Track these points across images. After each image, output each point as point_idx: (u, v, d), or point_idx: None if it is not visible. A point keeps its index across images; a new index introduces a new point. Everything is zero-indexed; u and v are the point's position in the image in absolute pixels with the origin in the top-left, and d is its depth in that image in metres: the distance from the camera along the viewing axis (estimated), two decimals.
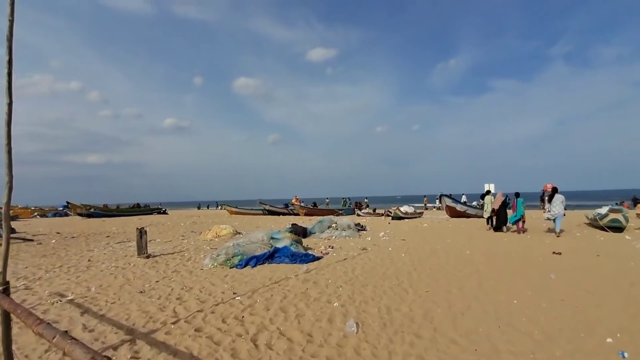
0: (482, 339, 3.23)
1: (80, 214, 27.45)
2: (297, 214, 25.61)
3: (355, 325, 3.50)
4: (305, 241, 9.72)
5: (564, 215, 10.94)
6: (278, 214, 26.79)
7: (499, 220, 11.90)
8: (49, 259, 8.07)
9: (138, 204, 35.28)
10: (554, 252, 7.38)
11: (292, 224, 11.25)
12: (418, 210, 20.57)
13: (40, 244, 11.13)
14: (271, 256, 6.78)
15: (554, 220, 10.59)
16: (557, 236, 10.22)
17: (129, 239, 11.65)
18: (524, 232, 11.27)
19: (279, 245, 7.24)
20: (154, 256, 7.96)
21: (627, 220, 10.83)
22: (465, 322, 3.65)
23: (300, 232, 10.41)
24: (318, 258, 7.01)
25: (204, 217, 25.68)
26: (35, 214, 31.27)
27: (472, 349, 3.04)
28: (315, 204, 32.64)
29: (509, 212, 11.73)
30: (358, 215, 23.07)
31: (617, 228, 10.75)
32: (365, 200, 36.13)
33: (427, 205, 36.03)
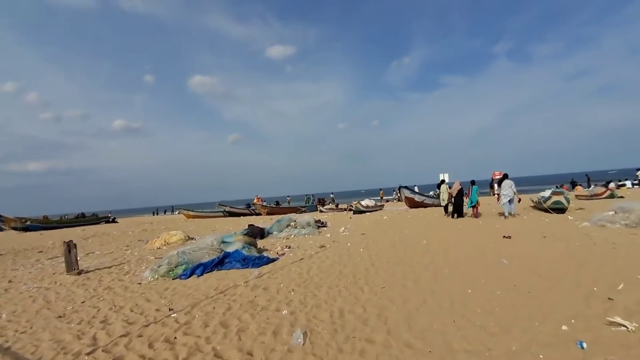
0: (437, 338, 3.01)
1: (14, 228, 24.48)
2: (259, 214, 24.88)
3: (302, 335, 3.13)
4: (262, 242, 9.23)
5: (519, 200, 11.66)
6: (239, 215, 25.85)
7: (455, 207, 12.20)
8: None
9: (83, 214, 32.26)
10: (504, 237, 7.56)
11: (249, 225, 10.68)
12: (379, 203, 20.78)
13: None
14: (220, 262, 6.23)
15: (506, 204, 11.22)
16: (509, 217, 11.06)
17: (59, 255, 10.39)
18: (477, 217, 11.71)
19: (230, 249, 6.69)
20: (87, 272, 7.04)
21: (568, 202, 11.56)
22: (420, 319, 3.42)
23: (258, 233, 9.88)
24: (273, 260, 6.57)
25: (157, 223, 24.06)
26: None
27: (426, 351, 2.80)
28: (277, 203, 32.05)
29: (465, 200, 12.16)
30: (321, 211, 22.87)
31: (560, 209, 11.44)
32: (331, 195, 36.10)
33: (383, 198, 36.82)
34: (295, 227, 10.56)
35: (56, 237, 17.25)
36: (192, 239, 11.37)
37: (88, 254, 9.98)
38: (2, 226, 26.26)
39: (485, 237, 7.89)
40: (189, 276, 5.85)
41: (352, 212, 17.99)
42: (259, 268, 6.09)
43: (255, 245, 7.47)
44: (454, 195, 12.24)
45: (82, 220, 29.60)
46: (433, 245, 7.18)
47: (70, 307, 4.76)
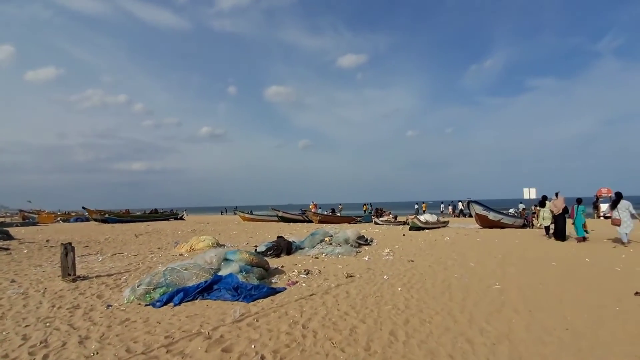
0: None
1: (95, 219, 27.34)
2: (312, 221, 23.69)
3: None
4: (285, 260, 7.73)
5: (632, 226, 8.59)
6: (292, 220, 25.04)
7: (557, 230, 10.44)
8: None
9: (156, 210, 34.99)
10: (636, 293, 4.79)
11: (278, 237, 9.30)
12: (443, 219, 17.80)
13: (10, 254, 10.05)
14: (208, 289, 4.85)
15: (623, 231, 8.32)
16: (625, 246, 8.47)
17: (97, 251, 10.29)
18: (582, 241, 8.94)
19: (225, 271, 5.29)
20: (84, 279, 6.32)
21: None
22: None
23: (284, 248, 8.43)
24: (275, 292, 4.98)
25: (214, 223, 24.45)
26: (58, 219, 31.84)
27: None
28: (333, 211, 30.62)
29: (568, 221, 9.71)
30: (375, 223, 20.68)
31: None
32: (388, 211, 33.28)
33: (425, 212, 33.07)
34: (330, 244, 8.85)
35: (119, 231, 18.24)
36: (221, 245, 10.44)
37: (115, 254, 9.66)
38: (89, 217, 29.57)
39: (599, 285, 5.19)
40: (165, 303, 4.58)
41: (406, 226, 15.53)
42: (252, 302, 4.56)
43: (264, 267, 5.97)
44: (556, 212, 10.45)
45: (153, 215, 31.96)
46: (510, 295, 4.83)
47: (17, 325, 3.83)
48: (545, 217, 11.33)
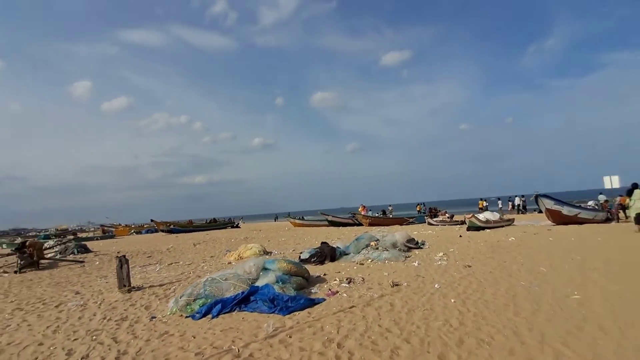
0: None
1: (162, 230, 29.77)
2: (362, 224, 23.13)
3: None
4: (329, 267, 7.41)
5: None
6: (342, 224, 24.71)
7: None
8: (51, 289, 7.47)
9: (215, 219, 37.08)
10: None
11: (322, 243, 9.02)
12: (507, 217, 16.05)
13: (83, 266, 11.17)
14: (245, 300, 4.72)
15: None
16: None
17: (157, 261, 10.98)
18: None
19: (262, 281, 5.13)
20: (139, 289, 6.66)
21: None
22: None
23: (327, 255, 8.12)
24: (313, 303, 4.68)
25: (266, 230, 25.08)
26: (132, 231, 35.34)
27: None
28: (384, 212, 29.65)
29: None
30: (429, 224, 19.46)
31: None
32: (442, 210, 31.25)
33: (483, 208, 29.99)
34: (376, 249, 8.33)
35: (182, 240, 19.50)
36: (268, 253, 10.49)
37: (172, 263, 10.19)
38: (151, 228, 32.34)
39: None
40: (204, 315, 4.54)
41: (464, 226, 14.23)
42: (288, 314, 4.31)
43: (303, 275, 5.72)
44: None
45: (212, 224, 33.92)
46: (593, 307, 3.94)
47: (67, 339, 4.05)
48: (634, 206, 10.34)
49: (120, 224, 43.52)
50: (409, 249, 8.94)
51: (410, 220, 23.18)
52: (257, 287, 4.89)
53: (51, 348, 3.90)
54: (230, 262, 9.34)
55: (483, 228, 13.15)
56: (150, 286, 6.90)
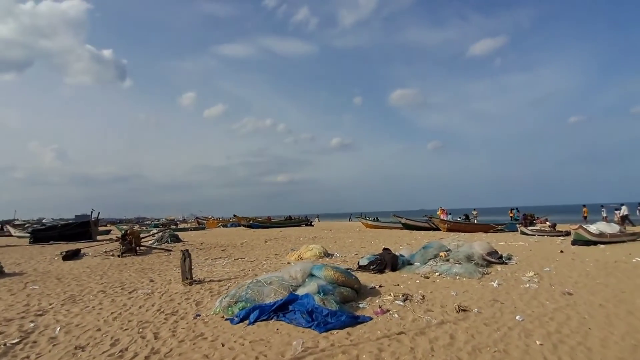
0: None
1: (243, 225, 32.17)
2: (438, 229, 21.20)
3: None
4: (388, 278, 6.64)
5: None
6: (417, 228, 23.08)
7: None
8: (135, 274, 8.37)
9: (290, 217, 38.63)
10: None
11: (384, 249, 8.24)
12: (632, 229, 12.63)
13: (169, 255, 12.43)
14: (283, 307, 4.38)
15: None
16: None
17: (228, 255, 11.56)
18: None
19: (304, 289, 4.71)
20: (200, 282, 6.94)
21: None
22: None
23: (387, 263, 7.34)
24: (356, 321, 4.08)
25: (337, 230, 24.91)
26: (220, 224, 39.10)
27: None
28: (466, 217, 26.78)
29: None
30: (522, 233, 16.71)
31: None
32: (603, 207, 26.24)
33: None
34: (446, 260, 7.22)
35: (255, 236, 20.59)
36: (329, 255, 10.12)
37: (238, 258, 10.59)
38: (236, 222, 35.05)
39: None
40: (241, 320, 4.34)
41: (568, 238, 11.59)
42: (325, 332, 3.80)
43: (352, 286, 5.13)
44: None
45: (288, 222, 35.35)
46: None
47: (120, 328, 4.28)
48: None
49: (211, 217, 48.74)
50: (489, 263, 7.55)
51: (499, 227, 20.31)
52: (297, 295, 4.50)
53: (103, 335, 4.13)
54: (289, 262, 9.24)
55: (595, 243, 10.53)
56: (210, 280, 7.14)
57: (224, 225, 38.16)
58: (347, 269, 7.68)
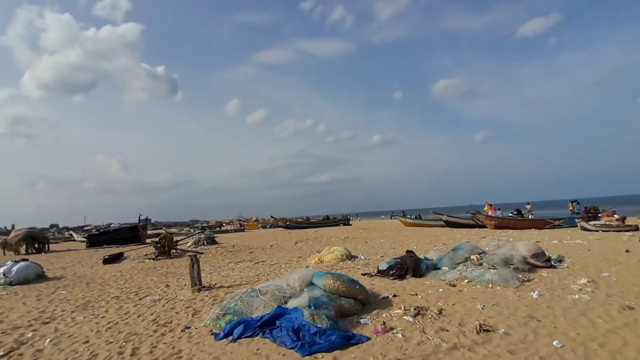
0: None
1: (280, 226, 32.41)
2: (484, 226, 19.41)
3: None
4: (407, 285, 5.87)
5: None
6: (460, 225, 21.41)
7: None
8: (157, 279, 8.45)
9: (327, 216, 38.20)
10: None
11: (407, 251, 7.40)
12: None
13: (200, 257, 12.58)
14: (270, 323, 3.89)
15: None
16: None
17: (252, 258, 11.39)
18: None
19: (294, 302, 4.15)
20: (208, 288, 6.72)
21: None
22: None
23: (410, 267, 6.54)
24: (348, 342, 3.46)
25: (372, 229, 23.98)
26: (259, 226, 39.89)
27: None
28: (519, 212, 24.28)
29: None
30: (583, 228, 14.62)
31: None
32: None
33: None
34: (479, 265, 6.23)
35: (289, 237, 20.44)
36: (352, 257, 9.47)
37: (259, 262, 10.35)
38: (274, 224, 35.43)
39: None
40: (225, 336, 3.93)
41: (638, 234, 9.70)
42: (309, 355, 3.25)
43: (355, 297, 4.48)
44: None
45: (324, 221, 34.94)
46: None
47: (106, 341, 4.10)
48: None
49: (252, 219, 50.06)
50: (533, 267, 6.41)
51: (556, 223, 18.06)
52: (285, 309, 3.98)
53: (85, 349, 3.96)
54: (308, 266, 8.75)
55: None
56: (220, 287, 6.89)
57: (263, 227, 38.84)
58: (365, 273, 7.04)
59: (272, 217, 35.45)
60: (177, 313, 5.20)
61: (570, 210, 23.40)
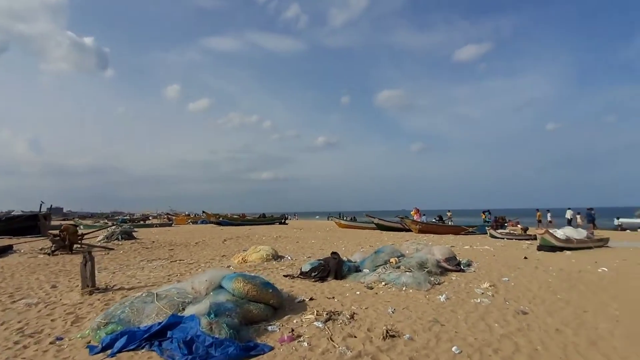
0: None
1: (212, 222, 30.71)
2: (410, 230, 20.61)
3: None
4: (327, 287, 5.72)
5: None
6: (390, 229, 22.45)
7: None
8: (45, 277, 7.14)
9: (264, 214, 37.33)
10: None
11: (332, 253, 7.32)
12: (598, 237, 12.26)
13: (108, 253, 11.10)
14: (161, 334, 3.36)
15: None
16: None
17: (171, 256, 10.37)
18: None
19: (191, 309, 3.68)
20: (104, 290, 5.80)
21: None
22: None
23: (332, 269, 6.43)
24: (247, 354, 3.12)
25: (307, 229, 23.98)
26: (189, 221, 37.37)
27: None
28: (440, 218, 26.32)
29: None
30: (491, 236, 16.27)
31: None
32: (548, 212, 26.29)
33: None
34: (397, 267, 6.37)
35: (219, 234, 19.32)
36: (279, 258, 9.14)
37: (176, 261, 9.45)
38: (206, 219, 33.52)
39: None
40: (103, 349, 3.29)
41: (535, 243, 11.06)
42: None
43: (267, 302, 4.16)
44: None
45: (260, 220, 34.04)
46: None
47: None
48: None
49: (182, 213, 46.76)
50: (445, 271, 6.76)
51: (470, 229, 19.95)
52: (180, 318, 3.48)
53: None
54: (229, 266, 8.20)
55: (561, 249, 10.00)
56: (119, 289, 6.00)
57: (194, 222, 36.47)
58: (287, 275, 6.77)
59: (203, 212, 33.40)
60: (52, 320, 4.32)
61: (483, 218, 26.18)
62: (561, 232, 10.57)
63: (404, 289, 5.50)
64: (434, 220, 24.31)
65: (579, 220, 22.40)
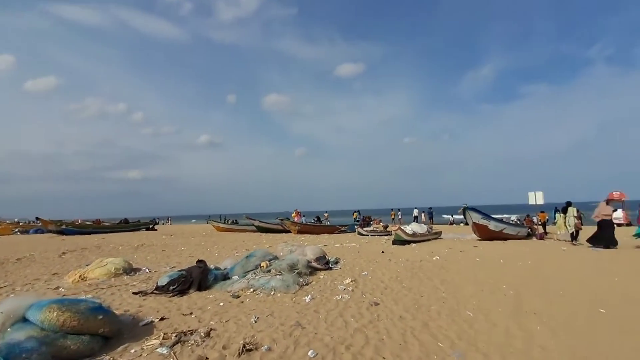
0: None
1: (50, 231, 24.48)
2: (289, 232, 21.00)
3: None
4: (185, 301, 5.04)
5: None
6: (270, 231, 22.34)
7: (605, 238, 10.07)
8: None
9: (126, 219, 31.98)
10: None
11: (199, 261, 6.61)
12: (434, 231, 15.12)
13: None
14: None
15: None
16: None
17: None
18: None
19: (17, 334, 2.60)
20: None
21: None
22: None
23: (195, 280, 5.75)
24: None
25: (180, 235, 21.69)
26: (16, 230, 28.89)
27: None
28: (318, 219, 27.85)
29: None
30: (359, 234, 18.04)
31: None
32: (399, 211, 30.20)
33: (395, 219, 29.41)
34: (267, 271, 6.18)
35: (59, 245, 15.40)
36: (133, 271, 7.75)
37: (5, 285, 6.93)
38: (42, 228, 26.66)
39: None
40: None
41: (389, 238, 12.82)
42: None
43: (93, 332, 3.30)
44: (599, 218, 10.32)
45: (121, 226, 28.97)
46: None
47: None
48: (569, 224, 11.52)
49: (12, 220, 35.86)
50: (314, 270, 6.96)
51: (343, 228, 21.73)
52: None
53: None
54: (58, 287, 6.47)
55: (409, 242, 11.81)
56: None
57: (25, 232, 28.40)
58: (137, 292, 5.69)
59: (37, 218, 26.28)
60: None
61: (354, 218, 29.03)
62: (409, 228, 12.49)
63: (272, 293, 5.32)
64: (312, 221, 25.56)
65: (423, 217, 27.14)
